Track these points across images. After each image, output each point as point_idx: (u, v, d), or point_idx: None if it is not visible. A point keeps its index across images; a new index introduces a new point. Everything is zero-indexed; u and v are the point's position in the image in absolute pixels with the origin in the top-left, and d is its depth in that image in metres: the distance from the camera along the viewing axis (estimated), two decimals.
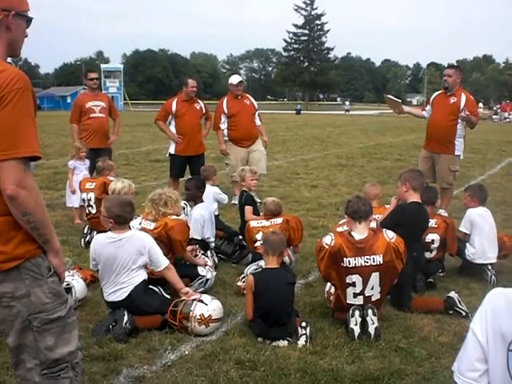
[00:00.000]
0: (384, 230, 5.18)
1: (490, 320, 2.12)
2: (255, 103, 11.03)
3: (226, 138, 10.71)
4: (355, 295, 4.97)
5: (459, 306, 5.34)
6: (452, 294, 5.48)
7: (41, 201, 2.59)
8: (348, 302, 4.99)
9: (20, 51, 2.78)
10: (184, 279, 5.72)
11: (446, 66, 9.57)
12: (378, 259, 4.91)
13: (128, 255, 5.01)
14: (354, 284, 4.94)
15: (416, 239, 5.76)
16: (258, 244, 6.35)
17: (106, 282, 5.11)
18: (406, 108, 9.65)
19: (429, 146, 9.31)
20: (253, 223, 6.66)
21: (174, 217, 5.99)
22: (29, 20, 2.75)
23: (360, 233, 4.99)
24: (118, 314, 4.90)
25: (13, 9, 2.63)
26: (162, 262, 5.12)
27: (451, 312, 5.34)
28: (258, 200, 8.75)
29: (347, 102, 71.56)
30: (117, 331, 4.74)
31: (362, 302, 4.95)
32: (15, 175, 2.47)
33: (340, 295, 5.04)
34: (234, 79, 10.78)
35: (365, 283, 4.94)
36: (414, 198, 5.84)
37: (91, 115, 9.71)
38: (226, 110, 10.57)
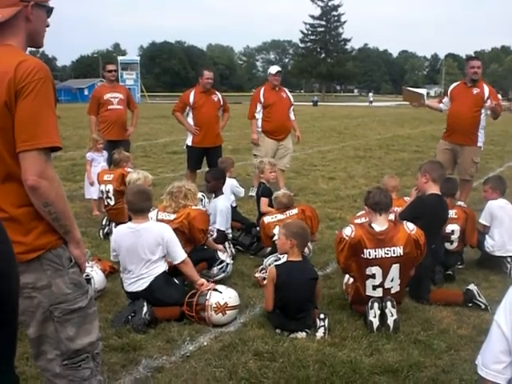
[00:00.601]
0: (404, 221, 5.15)
1: None
2: (291, 97, 10.87)
3: (259, 129, 10.54)
4: (374, 287, 4.95)
5: (478, 298, 5.31)
6: (471, 286, 5.44)
7: (62, 192, 2.60)
8: (367, 293, 4.97)
9: (42, 41, 2.77)
10: (202, 263, 5.76)
11: (468, 57, 9.43)
12: (399, 251, 4.89)
13: (147, 245, 5.04)
14: (373, 276, 4.93)
15: (435, 231, 5.73)
16: (276, 238, 6.31)
17: (127, 272, 5.14)
18: (426, 102, 9.42)
19: (451, 138, 9.13)
20: (267, 219, 6.61)
21: (194, 207, 6.02)
22: (49, 10, 2.75)
23: (380, 224, 4.97)
24: (137, 304, 4.93)
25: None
26: (180, 255, 5.13)
27: (470, 305, 5.31)
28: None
29: (371, 94, 70.67)
30: (136, 322, 4.77)
31: (381, 295, 4.94)
32: (37, 166, 2.47)
33: (359, 287, 5.02)
34: (273, 69, 10.64)
35: (385, 275, 4.92)
36: (434, 189, 5.80)
37: (109, 107, 9.73)
38: (262, 100, 10.43)
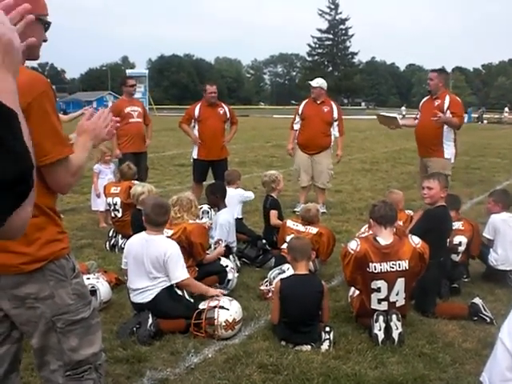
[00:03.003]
0: (409, 235, 5.15)
1: None
2: (336, 112, 10.37)
3: (296, 141, 10.52)
4: (380, 301, 4.95)
5: (484, 312, 5.29)
6: (476, 300, 5.43)
7: (77, 166, 2.67)
8: (372, 307, 4.96)
9: (38, 54, 2.81)
10: (213, 277, 5.76)
11: (430, 69, 9.17)
12: (404, 265, 4.88)
13: (150, 259, 5.06)
14: (378, 289, 4.92)
15: (443, 243, 5.74)
16: (284, 246, 6.35)
17: (133, 282, 5.15)
18: (401, 121, 9.45)
19: (419, 151, 9.15)
20: (289, 223, 6.76)
21: (191, 221, 6.02)
22: (47, 24, 2.78)
23: (385, 238, 4.97)
24: (142, 316, 4.93)
25: (33, 13, 2.65)
26: (177, 276, 5.10)
27: (476, 318, 5.29)
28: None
29: (404, 108, 68.20)
30: (141, 333, 4.77)
31: (386, 308, 4.93)
32: (62, 177, 2.60)
33: (364, 300, 5.02)
34: (313, 82, 10.49)
35: (390, 289, 4.91)
36: (442, 201, 5.86)
37: (130, 120, 9.84)
38: (300, 111, 10.42)
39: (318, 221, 6.79)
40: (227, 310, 4.98)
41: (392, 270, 4.88)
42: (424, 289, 5.42)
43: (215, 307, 4.97)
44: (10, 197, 1.33)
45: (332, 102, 10.61)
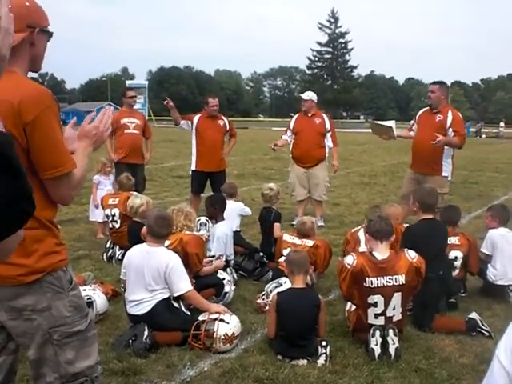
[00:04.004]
0: (406, 249, 5.16)
1: None
2: (328, 124, 10.38)
3: (291, 156, 10.59)
4: (376, 315, 4.93)
5: (482, 326, 5.29)
6: (473, 315, 5.42)
7: (78, 179, 2.70)
8: (369, 322, 4.95)
9: (41, 65, 2.83)
10: (210, 290, 5.75)
11: (431, 82, 8.74)
12: (401, 279, 4.88)
13: (151, 271, 5.05)
14: (375, 304, 4.91)
15: (438, 257, 5.73)
16: (282, 260, 6.39)
17: (130, 294, 5.14)
18: (396, 132, 9.01)
19: (414, 167, 8.69)
20: (286, 237, 6.76)
21: (187, 232, 6.02)
22: (50, 35, 2.81)
23: (381, 253, 4.97)
24: (138, 328, 4.92)
25: (37, 25, 2.69)
26: (179, 288, 5.08)
27: (474, 334, 5.28)
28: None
29: (502, 123, 63.39)
30: (137, 346, 4.75)
31: (383, 323, 4.92)
32: (65, 190, 2.65)
33: (361, 315, 5.01)
34: (304, 94, 10.48)
35: (386, 304, 4.90)
36: (425, 215, 5.94)
37: (125, 131, 9.86)
38: (291, 126, 10.45)
39: (313, 234, 6.78)
40: (227, 323, 4.96)
41: (389, 284, 4.87)
42: (423, 303, 5.42)
43: (215, 320, 4.96)
44: (14, 217, 1.34)
45: (323, 114, 10.64)
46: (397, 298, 4.91)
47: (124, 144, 9.86)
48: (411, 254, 5.01)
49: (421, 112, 8.87)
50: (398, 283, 4.88)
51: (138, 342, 4.79)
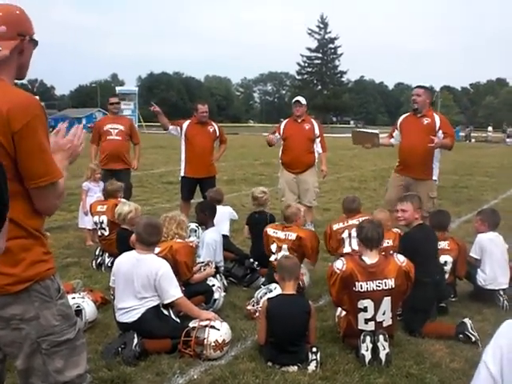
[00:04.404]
0: (395, 254, 5.17)
1: (506, 352, 2.07)
2: (317, 129, 10.32)
3: (280, 161, 10.52)
4: (366, 321, 4.93)
5: (470, 330, 5.29)
6: (466, 320, 5.43)
7: (62, 188, 2.70)
8: (359, 327, 4.95)
9: (26, 73, 2.83)
10: (199, 297, 5.73)
11: (414, 86, 8.67)
12: (390, 283, 4.89)
13: (140, 278, 5.02)
14: (365, 309, 4.91)
15: (432, 261, 5.75)
16: (272, 259, 6.53)
17: (119, 301, 5.12)
18: (381, 140, 8.78)
19: (405, 171, 8.42)
20: (270, 231, 6.78)
21: (178, 240, 6.00)
22: (36, 43, 2.81)
23: (371, 257, 4.98)
24: (127, 336, 4.89)
25: (27, 33, 2.69)
26: (170, 295, 5.05)
27: (461, 336, 5.28)
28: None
29: (490, 127, 63.45)
30: (126, 354, 4.72)
31: (373, 328, 4.91)
32: (51, 199, 2.65)
33: (351, 320, 5.01)
34: (298, 98, 10.43)
35: (376, 308, 4.90)
36: (417, 222, 6.01)
37: (107, 137, 9.89)
38: (281, 131, 10.35)
39: (299, 219, 6.80)
40: (218, 330, 4.94)
41: (378, 288, 4.88)
42: (413, 308, 5.42)
43: (206, 326, 4.94)
44: None
45: (312, 120, 10.61)
46: (386, 302, 4.92)
47: (105, 150, 9.90)
48: (400, 259, 5.03)
49: (403, 117, 8.74)
50: (387, 287, 4.89)
51: (127, 349, 4.76)
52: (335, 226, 6.95)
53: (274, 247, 6.61)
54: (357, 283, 4.86)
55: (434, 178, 8.36)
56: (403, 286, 4.96)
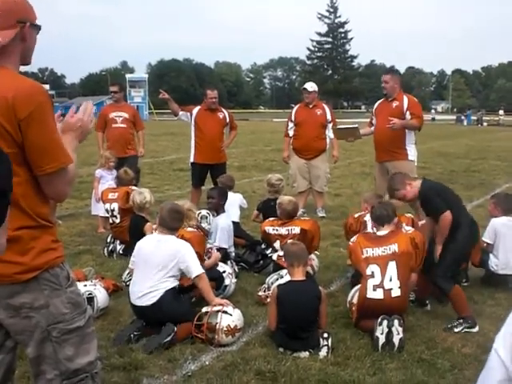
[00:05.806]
0: (403, 225, 5.52)
1: None
2: (329, 115, 10.37)
3: (291, 147, 10.50)
4: (375, 287, 5.01)
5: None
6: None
7: (73, 174, 2.70)
8: (368, 296, 5.01)
9: (31, 59, 2.81)
10: (210, 283, 5.76)
11: (384, 72, 8.85)
12: (393, 247, 5.10)
13: (162, 257, 5.06)
14: (373, 274, 5.05)
15: (457, 202, 5.79)
16: (276, 255, 6.40)
17: (137, 282, 5.14)
18: (361, 131, 8.94)
19: (379, 157, 8.67)
20: (268, 229, 6.61)
21: (189, 229, 6.00)
22: (39, 28, 2.79)
23: (382, 232, 5.31)
24: (164, 329, 4.87)
25: (27, 20, 2.67)
26: (195, 269, 5.08)
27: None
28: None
29: (502, 111, 61.68)
30: (155, 342, 4.76)
31: (382, 296, 4.97)
32: (60, 186, 2.64)
33: (362, 291, 5.08)
34: (306, 85, 10.44)
35: (383, 273, 5.03)
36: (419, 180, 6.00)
37: (113, 125, 10.02)
38: (293, 117, 10.39)
39: (295, 214, 6.65)
40: (230, 315, 4.96)
41: (383, 253, 5.09)
42: (450, 254, 5.47)
43: (218, 311, 4.95)
44: None
45: (324, 105, 10.60)
46: (392, 267, 5.04)
47: (110, 138, 10.06)
48: (406, 228, 5.43)
49: (377, 103, 8.94)
50: (391, 252, 5.08)
51: (159, 338, 4.77)
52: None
53: (277, 245, 6.47)
54: (364, 250, 5.13)
55: (411, 158, 8.43)
56: (409, 252, 5.11)
